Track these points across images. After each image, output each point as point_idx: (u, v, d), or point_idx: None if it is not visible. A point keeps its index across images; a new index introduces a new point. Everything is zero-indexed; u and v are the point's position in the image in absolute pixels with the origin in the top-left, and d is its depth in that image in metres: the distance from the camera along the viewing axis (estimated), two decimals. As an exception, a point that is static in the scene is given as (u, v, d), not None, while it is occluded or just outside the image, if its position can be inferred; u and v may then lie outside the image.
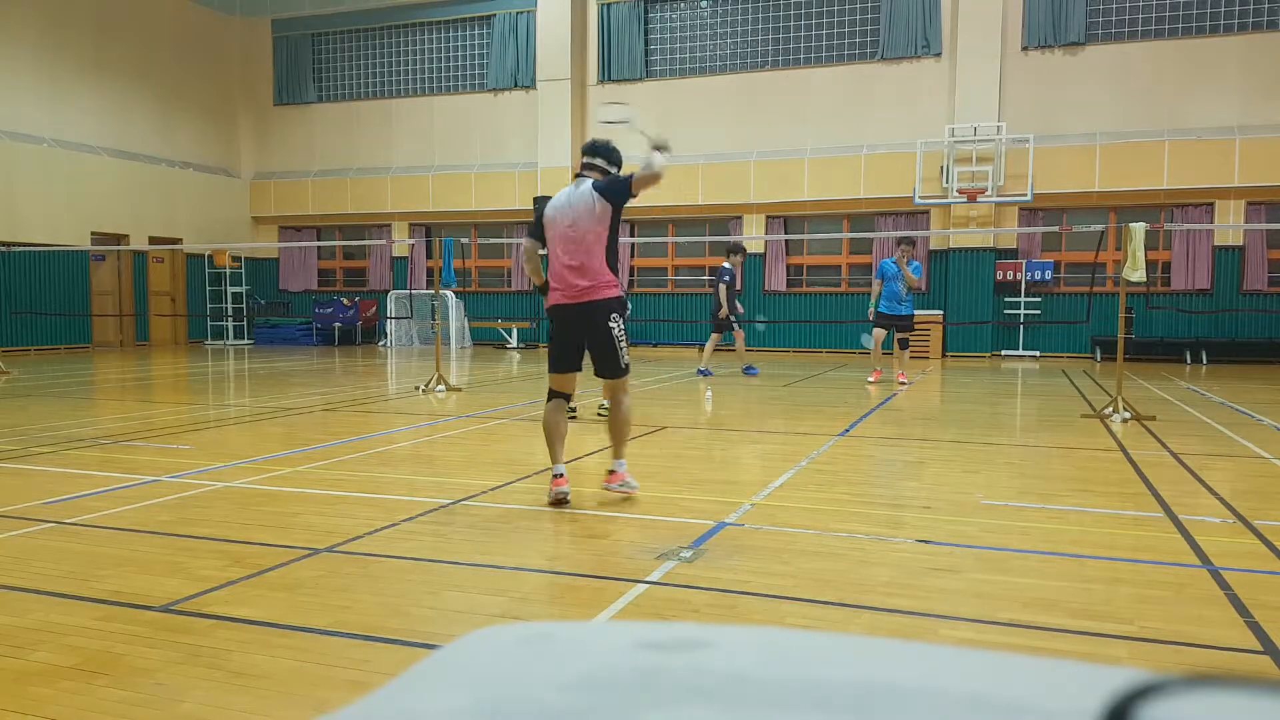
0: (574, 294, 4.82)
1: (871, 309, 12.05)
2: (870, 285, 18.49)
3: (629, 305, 5.04)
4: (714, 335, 13.09)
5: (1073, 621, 3.13)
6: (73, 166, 18.79)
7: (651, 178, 4.77)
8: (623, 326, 4.92)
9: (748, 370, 13.32)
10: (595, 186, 4.84)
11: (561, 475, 4.88)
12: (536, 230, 5.03)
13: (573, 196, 4.89)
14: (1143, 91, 16.92)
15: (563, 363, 4.99)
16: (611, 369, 4.95)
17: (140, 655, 2.80)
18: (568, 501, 4.85)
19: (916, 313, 17.71)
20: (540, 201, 5.19)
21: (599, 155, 4.98)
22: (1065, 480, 5.71)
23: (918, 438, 7.44)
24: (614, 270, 4.89)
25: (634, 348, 7.70)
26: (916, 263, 11.78)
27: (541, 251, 5.05)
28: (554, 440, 4.95)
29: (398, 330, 21.12)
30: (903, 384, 11.63)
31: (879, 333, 11.90)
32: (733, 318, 12.89)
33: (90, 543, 4.12)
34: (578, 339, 4.96)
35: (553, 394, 5.06)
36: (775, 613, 3.25)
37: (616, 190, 4.84)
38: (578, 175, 5.00)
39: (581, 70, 20.38)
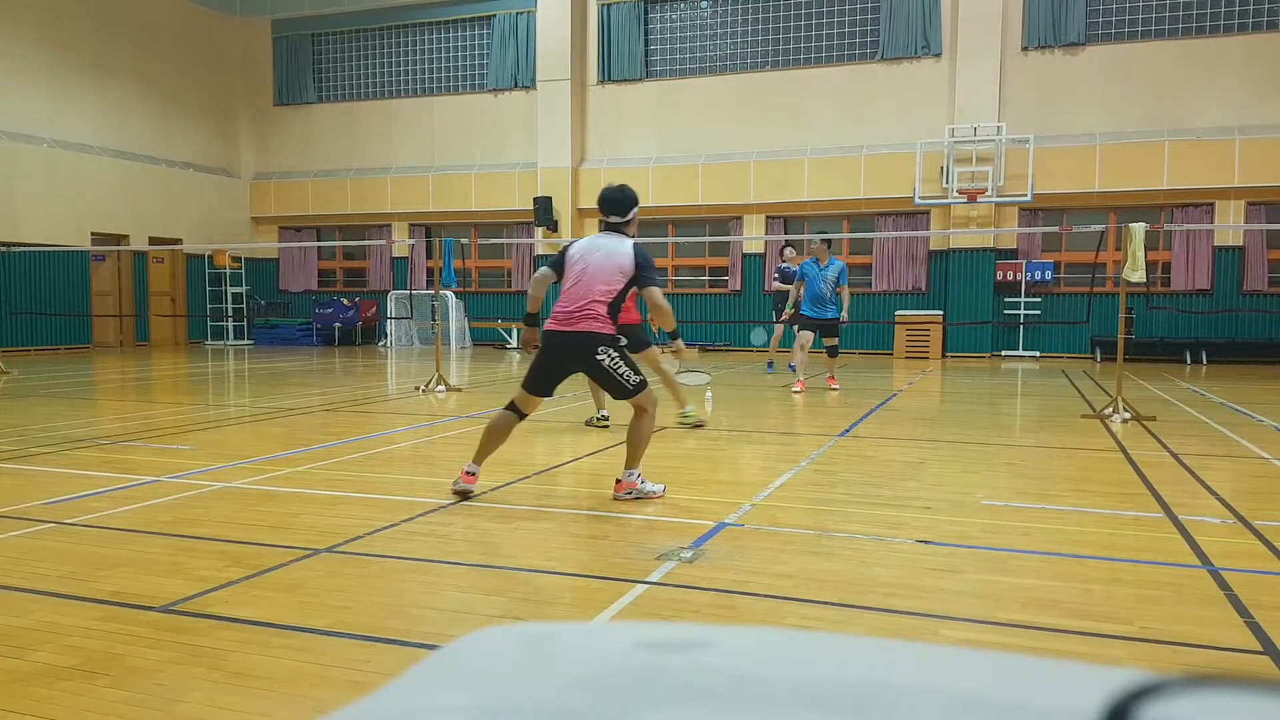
0: (565, 321, 4.93)
1: (789, 310, 11.69)
2: (869, 287, 18.71)
3: (623, 339, 5.10)
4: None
5: (1073, 622, 3.13)
6: (73, 167, 18.79)
7: (660, 311, 4.99)
8: (615, 355, 4.95)
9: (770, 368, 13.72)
10: (637, 251, 4.98)
11: (473, 474, 5.02)
12: (557, 263, 5.12)
13: (608, 244, 5.01)
14: (1143, 91, 16.92)
15: (535, 386, 5.07)
16: (619, 392, 5.04)
17: (140, 655, 2.80)
18: (468, 497, 4.97)
19: (918, 312, 17.82)
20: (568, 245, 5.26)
21: (614, 212, 5.10)
22: (1065, 480, 5.71)
23: (917, 438, 7.44)
24: (612, 319, 5.00)
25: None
26: (839, 263, 10.80)
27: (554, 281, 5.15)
28: (489, 443, 5.08)
29: (398, 330, 21.13)
30: (834, 388, 10.98)
31: (806, 335, 10.89)
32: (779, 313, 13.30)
33: (90, 543, 4.12)
34: (561, 368, 5.05)
35: (513, 406, 5.12)
36: (775, 613, 3.25)
37: (648, 276, 4.98)
38: (607, 229, 5.12)
39: (581, 70, 20.38)
